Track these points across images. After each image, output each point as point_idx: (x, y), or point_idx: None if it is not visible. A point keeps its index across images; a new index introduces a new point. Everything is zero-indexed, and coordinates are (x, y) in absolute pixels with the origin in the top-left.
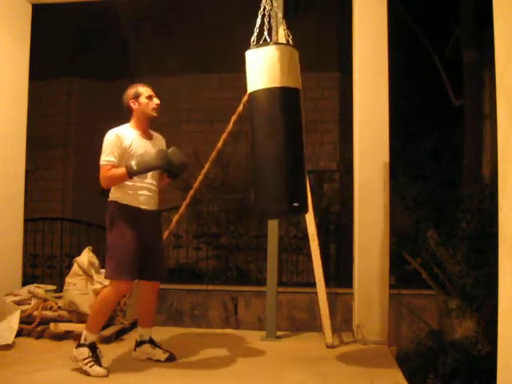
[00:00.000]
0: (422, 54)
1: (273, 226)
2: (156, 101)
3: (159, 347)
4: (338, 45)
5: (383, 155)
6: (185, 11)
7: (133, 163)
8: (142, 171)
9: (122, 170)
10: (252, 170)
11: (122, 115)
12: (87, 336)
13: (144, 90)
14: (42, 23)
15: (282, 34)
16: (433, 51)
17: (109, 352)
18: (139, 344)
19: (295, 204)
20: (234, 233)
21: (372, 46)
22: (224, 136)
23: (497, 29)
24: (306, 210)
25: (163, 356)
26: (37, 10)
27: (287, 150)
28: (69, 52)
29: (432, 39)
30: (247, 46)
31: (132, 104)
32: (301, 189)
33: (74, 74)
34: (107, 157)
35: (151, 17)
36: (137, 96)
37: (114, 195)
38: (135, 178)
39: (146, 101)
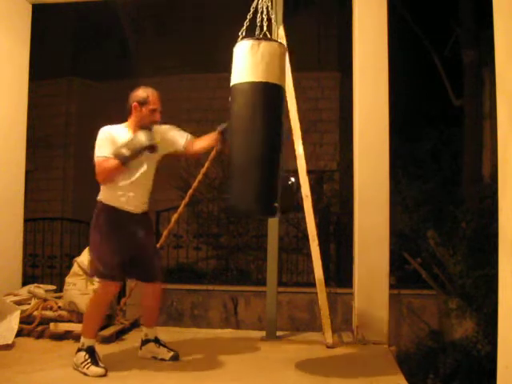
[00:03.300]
0: (422, 54)
1: (273, 225)
2: (157, 117)
3: (164, 346)
4: (338, 45)
5: (383, 155)
6: (185, 11)
7: (123, 150)
8: (133, 154)
9: (114, 161)
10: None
11: (122, 115)
12: (84, 341)
13: (152, 101)
14: (42, 23)
15: (281, 34)
16: (433, 51)
17: (109, 352)
18: (144, 343)
19: (275, 204)
20: (233, 233)
21: (372, 45)
22: None
23: (497, 29)
24: (277, 213)
25: (167, 355)
26: (37, 10)
27: (268, 148)
28: (69, 52)
29: (432, 39)
30: None
31: (134, 107)
32: (276, 190)
33: (74, 74)
34: (101, 152)
35: (151, 17)
36: (144, 103)
37: (103, 195)
38: (127, 180)
39: (148, 113)
